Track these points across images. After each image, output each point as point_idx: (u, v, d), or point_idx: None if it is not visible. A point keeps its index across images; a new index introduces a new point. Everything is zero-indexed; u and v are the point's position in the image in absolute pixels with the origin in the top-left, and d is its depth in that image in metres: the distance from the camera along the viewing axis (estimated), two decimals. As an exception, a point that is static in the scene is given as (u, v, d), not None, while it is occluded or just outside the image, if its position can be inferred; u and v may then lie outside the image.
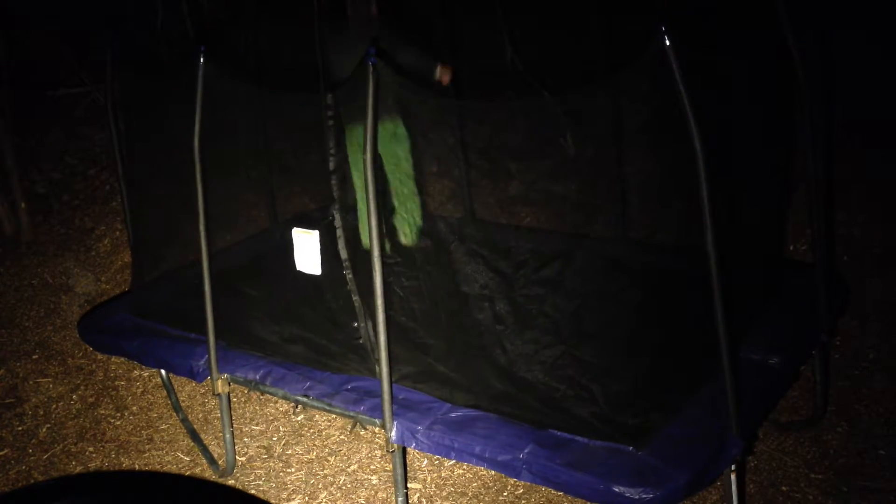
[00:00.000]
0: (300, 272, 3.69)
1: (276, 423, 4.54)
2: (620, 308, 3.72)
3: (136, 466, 4.37)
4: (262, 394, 4.31)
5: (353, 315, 3.63)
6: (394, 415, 3.31)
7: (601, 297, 3.87)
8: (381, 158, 4.15)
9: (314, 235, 3.60)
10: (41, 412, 4.91)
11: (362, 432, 4.33)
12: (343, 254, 3.49)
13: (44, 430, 4.75)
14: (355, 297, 3.52)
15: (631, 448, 2.94)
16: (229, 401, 4.07)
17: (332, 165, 3.48)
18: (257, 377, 3.78)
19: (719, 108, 3.15)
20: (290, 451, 4.32)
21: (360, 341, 3.62)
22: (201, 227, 3.75)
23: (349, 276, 3.52)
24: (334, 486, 4.03)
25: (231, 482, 4.13)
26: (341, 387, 3.60)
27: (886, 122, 5.56)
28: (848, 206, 5.43)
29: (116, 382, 5.11)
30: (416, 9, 5.37)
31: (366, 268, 3.27)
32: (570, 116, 4.22)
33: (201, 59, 3.60)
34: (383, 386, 3.27)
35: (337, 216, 3.48)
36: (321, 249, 3.60)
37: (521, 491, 3.81)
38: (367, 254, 3.22)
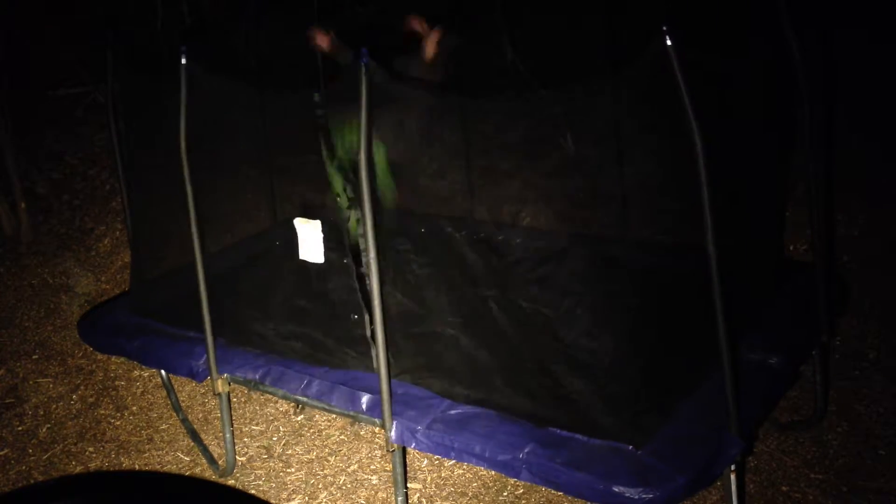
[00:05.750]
0: (302, 261, 3.68)
1: (276, 423, 4.54)
2: (620, 307, 3.71)
3: (136, 466, 4.36)
4: (262, 393, 4.31)
5: (352, 309, 3.62)
6: (393, 414, 3.31)
7: (600, 297, 3.86)
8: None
9: (316, 225, 3.60)
10: (41, 412, 4.91)
11: (362, 432, 4.33)
12: (353, 243, 3.48)
13: (44, 430, 4.75)
14: (366, 285, 3.49)
15: (631, 448, 2.94)
16: (229, 401, 4.07)
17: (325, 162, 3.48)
18: (257, 377, 3.78)
19: (720, 108, 3.15)
20: (290, 451, 4.32)
21: (363, 332, 3.60)
22: (193, 228, 3.75)
23: (356, 270, 3.50)
24: (334, 486, 4.03)
25: (231, 482, 4.13)
26: (340, 385, 3.59)
27: (886, 122, 5.56)
28: (848, 206, 5.43)
29: (116, 382, 5.11)
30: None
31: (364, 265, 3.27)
32: (571, 116, 4.21)
33: (183, 59, 3.60)
34: (382, 386, 3.27)
35: (346, 212, 3.47)
36: (323, 239, 3.60)
37: (521, 491, 3.81)
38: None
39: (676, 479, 2.80)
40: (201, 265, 3.79)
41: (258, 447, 4.37)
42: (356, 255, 3.50)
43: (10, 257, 6.72)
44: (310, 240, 3.62)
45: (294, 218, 3.69)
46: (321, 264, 3.65)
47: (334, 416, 4.28)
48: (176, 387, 4.53)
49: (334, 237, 3.55)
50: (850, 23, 5.40)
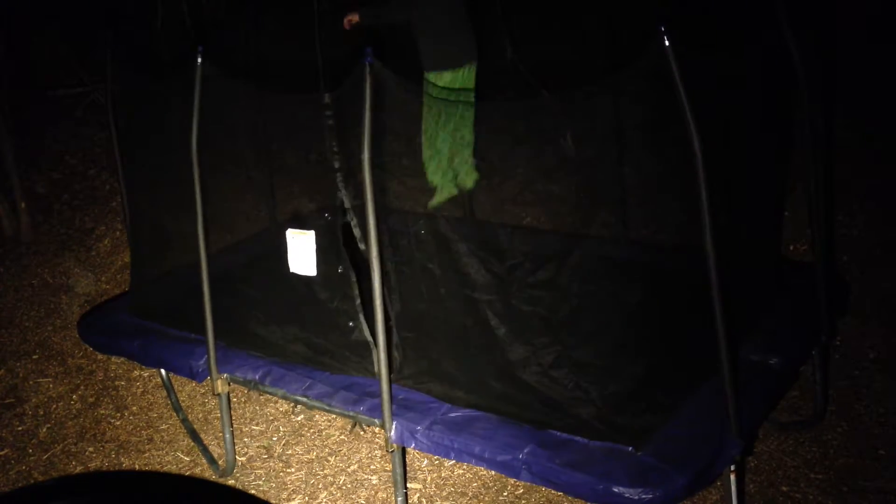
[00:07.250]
0: (294, 273, 3.68)
1: (276, 423, 4.54)
2: (619, 308, 3.71)
3: (136, 466, 4.37)
4: (262, 394, 4.31)
5: (351, 314, 3.62)
6: (393, 415, 3.31)
7: (600, 298, 3.86)
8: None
9: (309, 236, 3.59)
10: (41, 412, 4.91)
11: (362, 432, 4.34)
12: (359, 247, 3.48)
13: (44, 430, 4.75)
14: (356, 294, 3.51)
15: (630, 449, 2.94)
16: (229, 401, 4.07)
17: (336, 164, 3.47)
18: (257, 377, 3.78)
19: (719, 108, 3.15)
20: (290, 451, 4.32)
21: (359, 336, 3.60)
22: (199, 228, 3.75)
23: (352, 274, 3.51)
24: (334, 486, 4.03)
25: (231, 482, 4.13)
26: (341, 387, 3.60)
27: (886, 121, 5.56)
28: (848, 206, 5.44)
29: (116, 382, 5.11)
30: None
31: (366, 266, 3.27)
32: (570, 116, 4.21)
33: (199, 59, 3.59)
34: (382, 386, 3.27)
35: (349, 213, 3.47)
36: (316, 250, 3.59)
37: (521, 491, 3.81)
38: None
39: (676, 479, 2.80)
40: (205, 265, 3.78)
41: (258, 447, 4.37)
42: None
43: (10, 257, 6.72)
44: (302, 252, 3.60)
45: (292, 224, 3.69)
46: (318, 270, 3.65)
47: (334, 416, 4.28)
48: (176, 387, 4.53)
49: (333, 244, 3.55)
50: (849, 23, 5.41)
